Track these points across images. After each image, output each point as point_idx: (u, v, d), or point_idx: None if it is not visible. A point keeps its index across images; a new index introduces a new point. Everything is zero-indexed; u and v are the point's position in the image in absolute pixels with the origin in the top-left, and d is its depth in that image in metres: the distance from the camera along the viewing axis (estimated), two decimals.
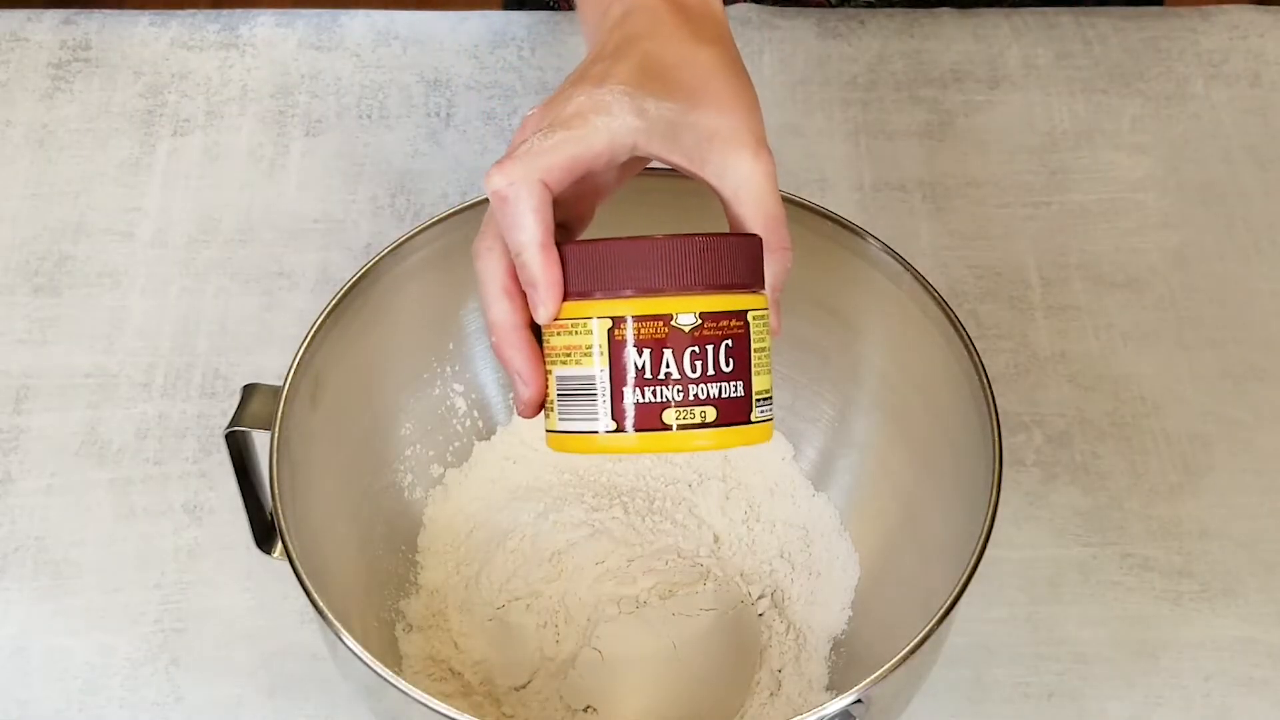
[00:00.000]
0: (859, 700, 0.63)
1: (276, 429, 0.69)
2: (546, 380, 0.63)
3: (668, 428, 0.61)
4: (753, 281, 0.62)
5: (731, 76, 0.65)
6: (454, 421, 0.82)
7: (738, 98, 0.64)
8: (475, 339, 0.82)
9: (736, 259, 0.61)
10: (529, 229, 0.61)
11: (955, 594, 0.65)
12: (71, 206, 0.97)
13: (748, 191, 0.63)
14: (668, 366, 0.61)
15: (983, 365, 0.71)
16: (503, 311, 0.63)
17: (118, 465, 0.87)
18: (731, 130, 0.63)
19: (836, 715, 0.63)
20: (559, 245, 0.62)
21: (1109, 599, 0.82)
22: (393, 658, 0.76)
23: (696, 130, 0.62)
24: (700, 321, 0.61)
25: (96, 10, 1.07)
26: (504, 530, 0.79)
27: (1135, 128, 1.02)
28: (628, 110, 0.61)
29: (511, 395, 0.72)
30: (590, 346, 0.61)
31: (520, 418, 0.67)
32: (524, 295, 0.63)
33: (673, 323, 0.60)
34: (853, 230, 0.76)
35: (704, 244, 0.61)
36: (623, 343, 0.61)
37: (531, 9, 1.08)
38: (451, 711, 0.62)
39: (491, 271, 0.63)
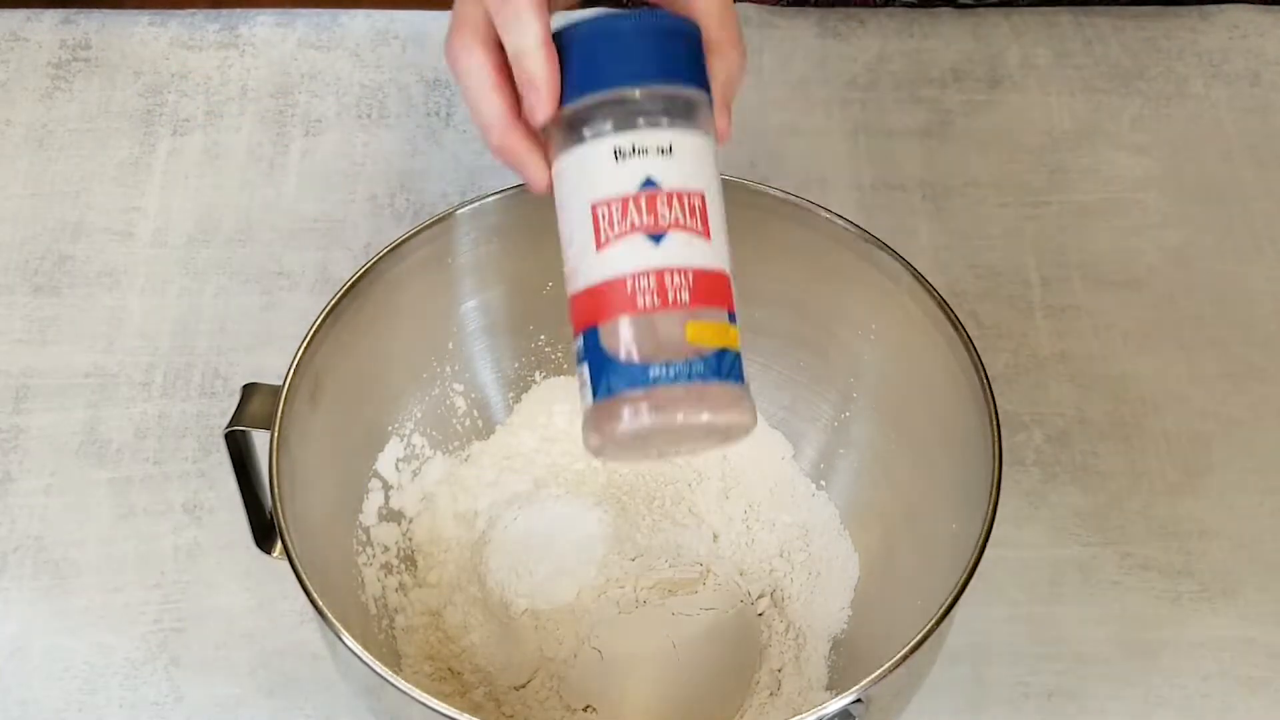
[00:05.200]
0: (859, 700, 0.63)
1: (276, 428, 0.69)
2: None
3: None
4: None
5: None
6: (454, 421, 0.82)
7: None
8: (475, 338, 0.82)
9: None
10: (531, 27, 0.61)
11: (955, 594, 0.65)
12: (71, 206, 0.97)
13: None
14: None
15: (983, 365, 0.71)
16: (496, 107, 0.62)
17: (117, 465, 0.87)
18: None
19: (836, 715, 0.63)
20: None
21: (1109, 599, 0.82)
22: (392, 657, 0.76)
23: None
24: None
25: (96, 10, 1.07)
26: (503, 529, 0.79)
27: (1135, 127, 1.02)
28: None
29: None
30: None
31: None
32: (511, 89, 0.62)
33: None
34: (853, 229, 0.76)
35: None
36: None
37: None
38: (451, 711, 0.62)
39: (478, 69, 0.62)
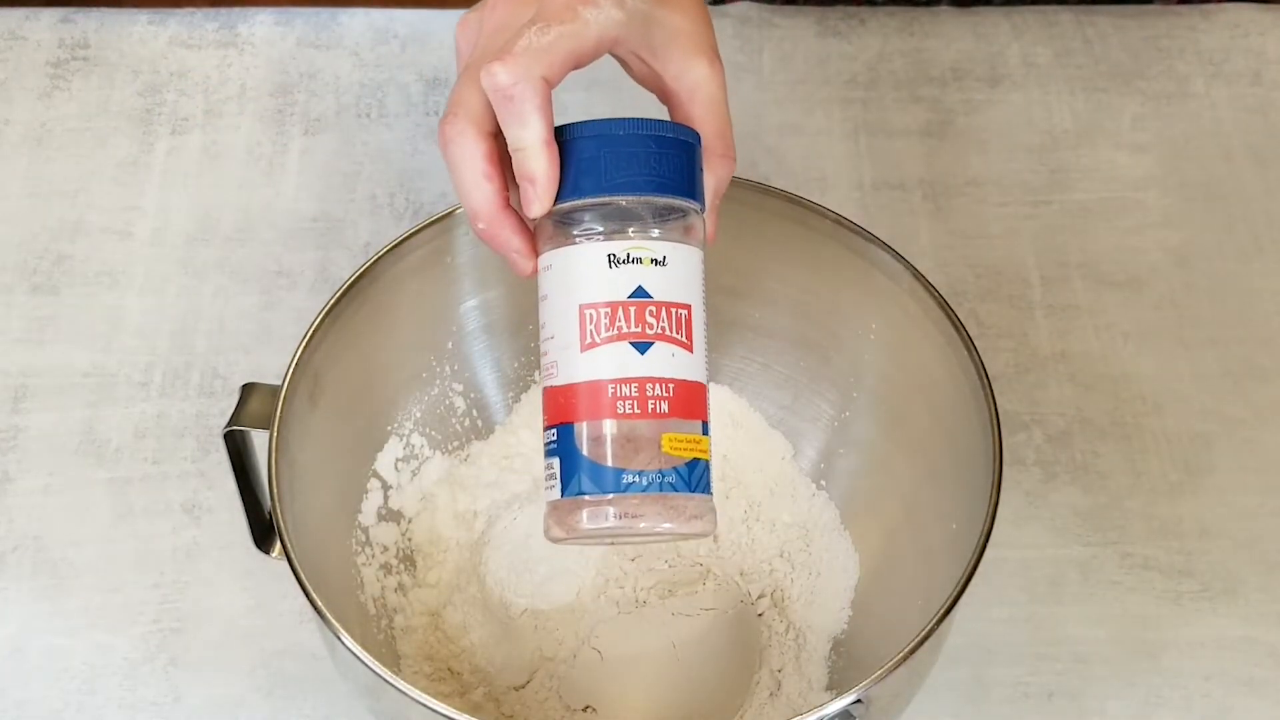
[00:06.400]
0: (859, 700, 0.63)
1: (275, 428, 0.69)
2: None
3: None
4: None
5: None
6: (453, 421, 0.82)
7: (698, 2, 0.66)
8: (474, 338, 0.81)
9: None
10: (535, 127, 0.61)
11: (955, 594, 0.65)
12: (70, 205, 0.97)
13: (704, 95, 0.64)
14: None
15: (983, 365, 0.71)
16: (485, 195, 0.63)
17: (116, 465, 0.87)
18: (694, 33, 0.64)
19: (836, 715, 0.63)
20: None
21: (1109, 599, 0.82)
22: (391, 657, 0.75)
23: (665, 27, 0.64)
24: None
25: (95, 9, 1.07)
26: (503, 529, 0.79)
27: (1135, 126, 1.02)
28: (610, 3, 0.62)
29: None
30: None
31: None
32: (502, 178, 0.63)
33: None
34: (853, 229, 0.76)
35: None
36: None
37: None
38: (450, 711, 0.62)
39: (467, 157, 0.63)
